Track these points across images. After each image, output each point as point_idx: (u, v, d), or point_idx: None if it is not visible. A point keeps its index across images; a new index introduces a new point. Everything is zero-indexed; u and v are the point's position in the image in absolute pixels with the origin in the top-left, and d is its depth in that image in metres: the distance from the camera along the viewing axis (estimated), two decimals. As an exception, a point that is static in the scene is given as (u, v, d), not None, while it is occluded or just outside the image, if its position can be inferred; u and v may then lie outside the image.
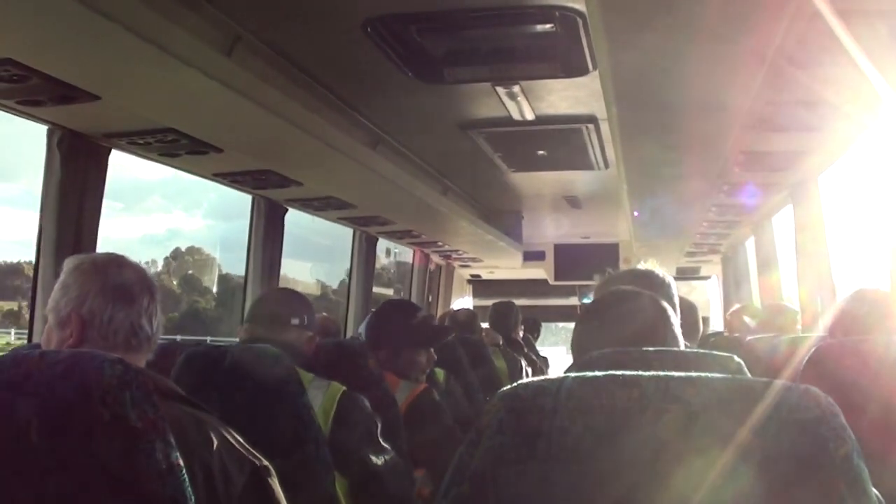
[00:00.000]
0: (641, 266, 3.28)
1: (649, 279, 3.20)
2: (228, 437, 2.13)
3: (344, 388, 3.32)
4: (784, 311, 6.12)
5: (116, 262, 2.26)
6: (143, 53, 3.11)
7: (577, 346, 2.43)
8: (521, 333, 8.81)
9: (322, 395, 3.25)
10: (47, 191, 4.06)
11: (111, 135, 4.15)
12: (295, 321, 3.48)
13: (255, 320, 3.51)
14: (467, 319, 7.05)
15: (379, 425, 3.46)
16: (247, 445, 2.18)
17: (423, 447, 4.16)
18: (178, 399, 2.08)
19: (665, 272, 3.25)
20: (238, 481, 2.08)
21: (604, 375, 1.30)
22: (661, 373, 1.29)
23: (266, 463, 2.19)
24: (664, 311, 2.44)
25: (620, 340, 2.17)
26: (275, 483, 2.19)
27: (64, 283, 2.25)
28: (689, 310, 4.57)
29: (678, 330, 2.45)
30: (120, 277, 2.20)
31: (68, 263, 2.28)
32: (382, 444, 3.44)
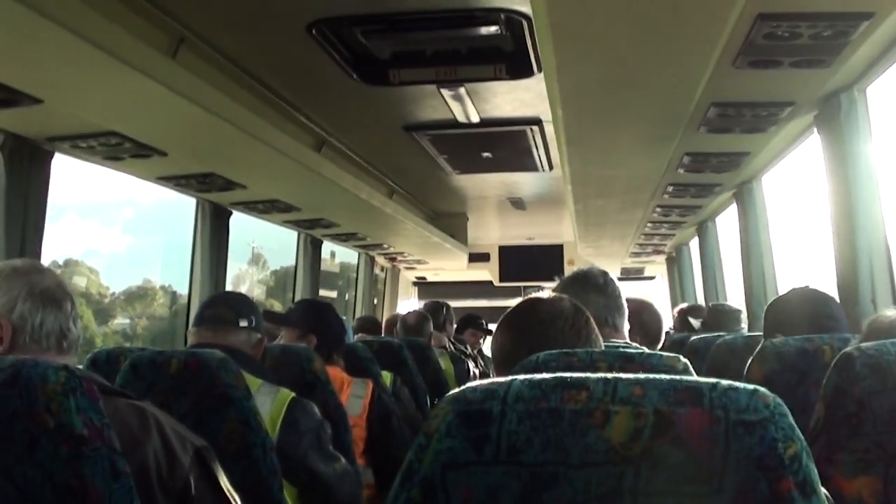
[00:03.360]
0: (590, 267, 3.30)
1: (595, 282, 3.21)
2: (168, 420, 2.14)
3: (293, 394, 3.30)
4: (726, 311, 6.18)
5: (36, 268, 2.25)
6: (85, 56, 3.09)
7: (500, 354, 2.43)
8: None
9: (270, 402, 3.23)
10: (-10, 195, 4.02)
11: (54, 138, 4.12)
12: (244, 323, 3.45)
13: (203, 323, 3.46)
14: (416, 323, 7.05)
15: (329, 432, 3.45)
16: (184, 427, 2.19)
17: (378, 444, 4.21)
18: (114, 394, 2.08)
19: (611, 275, 3.27)
20: (185, 461, 2.09)
21: (551, 378, 1.30)
22: (609, 375, 1.30)
23: (205, 443, 2.20)
24: (582, 312, 2.46)
25: (543, 346, 2.17)
26: (215, 461, 2.20)
27: None
28: (652, 316, 4.57)
29: (597, 332, 2.47)
30: (43, 282, 2.19)
31: None
32: (332, 451, 3.43)
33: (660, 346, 4.61)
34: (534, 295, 2.56)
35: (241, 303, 3.56)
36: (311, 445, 3.29)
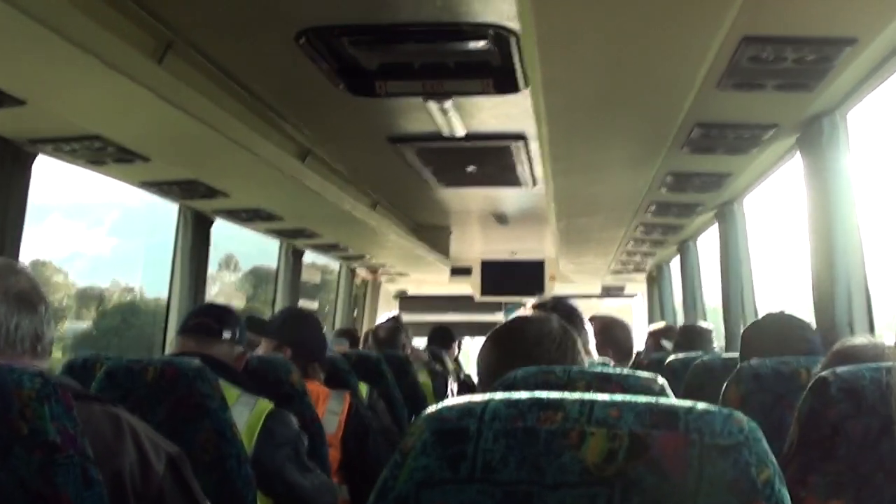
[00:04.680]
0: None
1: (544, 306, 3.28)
2: (142, 426, 2.15)
3: (272, 405, 3.30)
4: (698, 330, 6.21)
5: (11, 269, 2.22)
6: (71, 58, 3.08)
7: (486, 370, 2.45)
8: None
9: (248, 412, 3.23)
10: (-31, 196, 4.01)
11: (37, 140, 4.11)
12: (227, 335, 3.46)
13: (187, 333, 3.48)
14: (388, 335, 7.05)
15: (306, 444, 3.45)
16: (157, 434, 2.18)
17: (354, 461, 4.19)
18: (89, 399, 2.07)
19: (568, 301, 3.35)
20: (158, 469, 2.10)
21: (528, 397, 1.30)
22: (586, 395, 1.30)
23: (178, 449, 2.20)
24: (570, 333, 2.48)
25: (528, 363, 2.19)
26: (188, 469, 2.20)
27: None
28: (623, 332, 4.61)
29: (583, 352, 2.50)
30: (18, 284, 2.16)
31: None
32: (308, 463, 3.42)
33: (631, 361, 4.65)
34: (522, 314, 2.59)
35: (225, 314, 3.58)
36: (288, 457, 3.29)
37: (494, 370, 2.38)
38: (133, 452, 2.05)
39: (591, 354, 3.25)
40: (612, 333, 4.49)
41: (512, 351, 2.41)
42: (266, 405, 3.28)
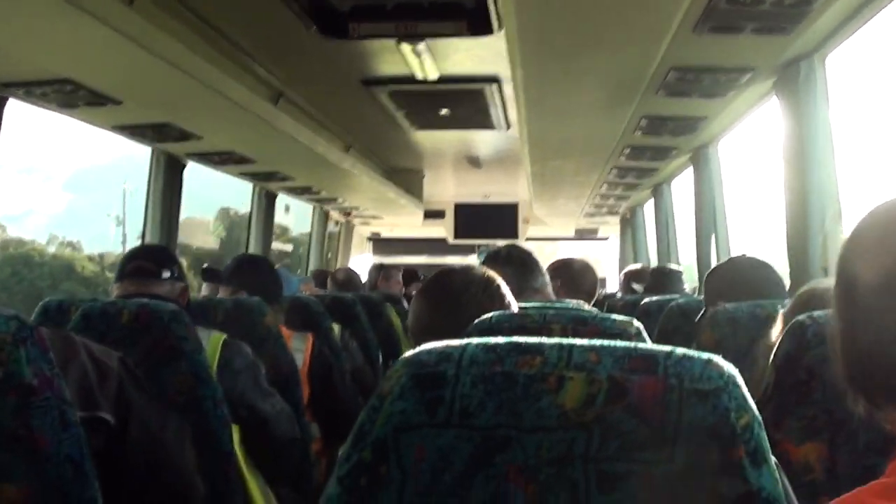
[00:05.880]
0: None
1: (498, 256, 3.31)
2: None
3: (225, 335, 3.31)
4: (668, 272, 6.25)
5: None
6: (40, 1, 3.04)
7: (416, 322, 2.48)
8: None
9: (204, 345, 3.24)
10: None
11: (7, 84, 4.07)
12: (166, 274, 3.45)
13: (126, 277, 3.45)
14: (346, 279, 7.12)
15: (263, 370, 3.46)
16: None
17: (322, 399, 4.21)
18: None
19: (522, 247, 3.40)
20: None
21: (506, 342, 1.30)
22: (564, 340, 1.30)
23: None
24: (495, 279, 2.52)
25: (459, 313, 2.25)
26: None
27: None
28: (586, 271, 4.64)
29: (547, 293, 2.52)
30: None
31: None
32: (268, 388, 3.44)
33: (593, 301, 4.68)
34: (446, 267, 2.62)
35: (161, 254, 3.60)
36: (248, 383, 3.31)
37: (425, 323, 2.44)
38: (88, 360, 2.16)
39: (550, 297, 3.30)
40: (575, 274, 4.52)
41: (440, 300, 2.46)
42: (219, 336, 3.29)
